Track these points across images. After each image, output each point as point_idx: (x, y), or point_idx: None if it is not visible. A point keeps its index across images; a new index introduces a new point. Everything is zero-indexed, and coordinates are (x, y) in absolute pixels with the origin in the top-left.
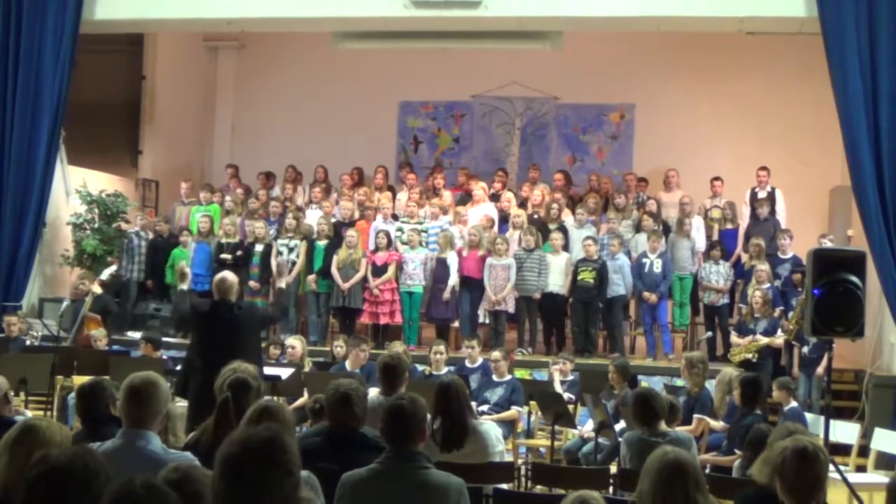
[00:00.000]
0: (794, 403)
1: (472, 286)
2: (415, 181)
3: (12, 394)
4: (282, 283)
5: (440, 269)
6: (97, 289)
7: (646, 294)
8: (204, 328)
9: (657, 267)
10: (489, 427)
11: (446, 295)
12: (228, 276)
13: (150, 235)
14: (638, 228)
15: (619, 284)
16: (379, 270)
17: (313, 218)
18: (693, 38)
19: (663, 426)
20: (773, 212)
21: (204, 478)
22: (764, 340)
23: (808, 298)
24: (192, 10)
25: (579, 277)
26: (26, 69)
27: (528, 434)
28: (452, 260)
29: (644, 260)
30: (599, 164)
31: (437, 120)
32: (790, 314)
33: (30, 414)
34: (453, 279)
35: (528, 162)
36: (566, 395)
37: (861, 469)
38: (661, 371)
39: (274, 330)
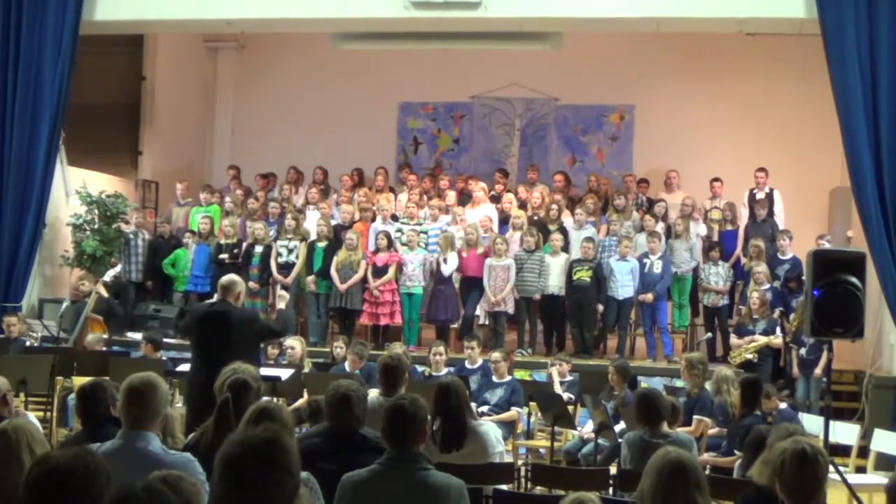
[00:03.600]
0: (783, 405)
1: (475, 286)
2: (415, 182)
3: (12, 394)
4: (281, 304)
5: (441, 270)
6: (103, 290)
7: (642, 295)
8: (197, 331)
9: (657, 268)
10: (489, 428)
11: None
12: (233, 278)
13: (147, 235)
14: (641, 229)
15: (629, 286)
16: (380, 271)
17: (312, 219)
18: (693, 39)
19: (665, 427)
20: (770, 213)
21: (192, 486)
22: (762, 340)
23: (808, 299)
24: (192, 11)
25: (575, 277)
26: (26, 70)
27: (528, 435)
28: (452, 260)
29: (645, 261)
30: (599, 165)
31: (437, 121)
32: (791, 316)
33: (32, 416)
34: (449, 270)
35: (528, 163)
36: (566, 395)
37: (861, 470)
38: (660, 372)
39: None
